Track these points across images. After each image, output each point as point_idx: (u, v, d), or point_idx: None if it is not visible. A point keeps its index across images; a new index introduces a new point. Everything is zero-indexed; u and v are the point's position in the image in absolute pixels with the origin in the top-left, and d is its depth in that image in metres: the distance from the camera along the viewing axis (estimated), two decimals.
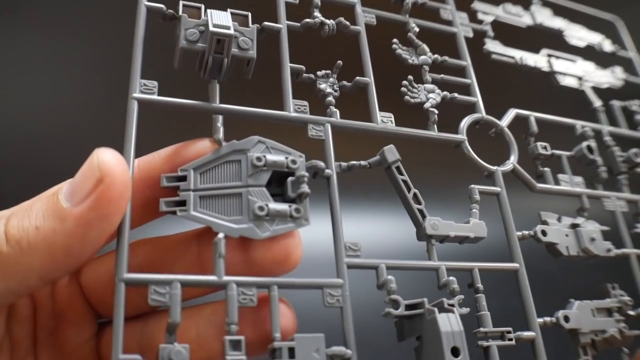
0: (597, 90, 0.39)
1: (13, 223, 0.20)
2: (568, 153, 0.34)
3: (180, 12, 0.27)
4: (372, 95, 0.30)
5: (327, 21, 0.30)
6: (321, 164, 0.26)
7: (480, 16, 0.37)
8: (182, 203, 0.24)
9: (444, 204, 0.35)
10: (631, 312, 0.30)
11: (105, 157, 0.20)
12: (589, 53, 0.40)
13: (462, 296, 0.25)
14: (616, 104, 0.39)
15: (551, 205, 0.34)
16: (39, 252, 0.19)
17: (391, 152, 0.27)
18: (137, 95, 0.25)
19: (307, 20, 0.30)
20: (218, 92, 0.26)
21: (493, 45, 0.36)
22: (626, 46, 0.43)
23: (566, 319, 0.28)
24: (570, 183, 0.33)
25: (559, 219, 0.31)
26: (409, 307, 0.24)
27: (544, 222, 0.31)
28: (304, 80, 0.29)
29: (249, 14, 0.29)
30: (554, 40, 0.39)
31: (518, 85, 0.53)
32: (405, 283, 0.30)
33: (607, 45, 0.42)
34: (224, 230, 0.23)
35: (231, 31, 0.26)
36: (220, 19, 0.26)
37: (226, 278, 0.22)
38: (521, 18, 0.38)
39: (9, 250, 0.19)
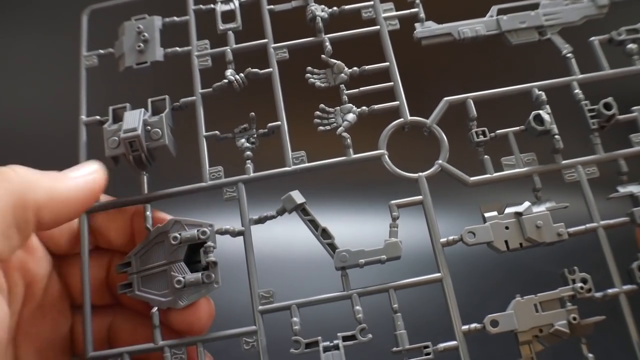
0: (574, 30, 0.33)
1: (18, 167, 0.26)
2: (514, 129, 0.31)
3: (110, 117, 0.32)
4: (284, 138, 0.32)
5: (234, 77, 0.33)
6: (228, 227, 0.30)
7: None
8: (130, 285, 0.30)
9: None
10: (597, 295, 0.28)
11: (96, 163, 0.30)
12: None
13: (364, 325, 0.27)
14: (596, 41, 0.33)
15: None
16: (41, 186, 0.26)
17: (289, 201, 0.30)
18: None
19: (217, 84, 0.33)
20: (145, 183, 0.32)
21: (422, 30, 0.34)
22: None
23: (494, 323, 0.27)
24: (517, 164, 0.31)
25: (501, 210, 0.30)
26: (308, 344, 0.27)
27: (483, 217, 0.30)
28: (225, 140, 0.33)
29: (166, 97, 0.33)
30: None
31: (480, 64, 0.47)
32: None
33: None
34: (156, 304, 0.29)
35: (137, 132, 0.31)
36: (130, 122, 0.31)
37: (161, 343, 0.29)
38: None
39: (18, 178, 0.25)
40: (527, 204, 0.30)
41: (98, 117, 0.33)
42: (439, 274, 0.29)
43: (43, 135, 0.58)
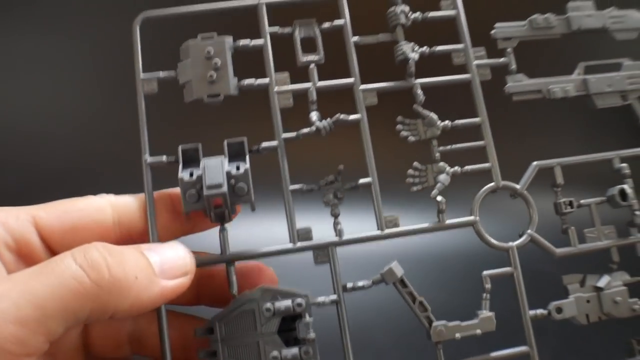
0: None
1: (114, 262, 0.23)
2: (597, 200, 0.32)
3: (180, 159, 0.29)
4: (376, 197, 0.30)
5: (322, 124, 0.30)
6: (324, 299, 0.29)
7: (500, 44, 0.33)
8: (214, 353, 0.28)
9: None
10: None
11: (190, 257, 0.27)
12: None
13: None
14: None
15: None
16: (128, 296, 0.23)
17: (390, 275, 0.29)
18: None
19: (303, 130, 0.30)
20: (227, 240, 0.29)
21: (514, 85, 0.32)
22: None
23: None
24: (599, 235, 0.32)
25: (582, 282, 0.31)
26: None
27: (565, 288, 0.31)
28: (310, 192, 0.30)
29: (245, 140, 0.29)
30: (594, 47, 0.34)
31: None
32: None
33: None
34: None
35: (223, 189, 0.27)
36: (213, 175, 0.28)
37: None
38: (553, 29, 0.33)
39: (108, 283, 0.23)
40: (606, 278, 0.31)
41: (164, 156, 0.29)
42: (526, 347, 0.30)
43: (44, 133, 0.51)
